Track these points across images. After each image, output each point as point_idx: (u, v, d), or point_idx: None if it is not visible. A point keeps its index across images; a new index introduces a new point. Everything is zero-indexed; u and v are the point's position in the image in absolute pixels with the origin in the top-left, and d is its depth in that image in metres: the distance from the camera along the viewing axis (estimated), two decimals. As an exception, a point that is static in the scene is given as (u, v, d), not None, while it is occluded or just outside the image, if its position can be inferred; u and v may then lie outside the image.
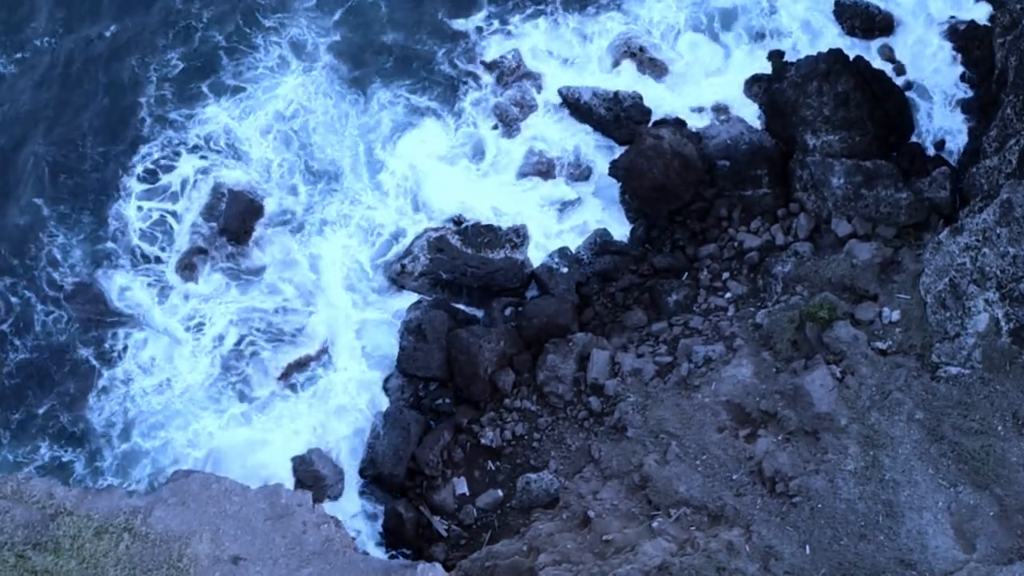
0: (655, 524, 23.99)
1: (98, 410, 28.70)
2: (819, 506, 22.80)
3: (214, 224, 31.21)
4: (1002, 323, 23.49)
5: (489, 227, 31.31)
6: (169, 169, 32.02)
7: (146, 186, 31.79)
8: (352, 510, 28.23)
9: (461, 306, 30.52)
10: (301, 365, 29.79)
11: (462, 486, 27.83)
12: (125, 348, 29.59)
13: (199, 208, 31.45)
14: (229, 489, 19.36)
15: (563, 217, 31.69)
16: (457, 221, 31.48)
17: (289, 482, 27.63)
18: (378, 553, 27.37)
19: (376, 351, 30.13)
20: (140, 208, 31.50)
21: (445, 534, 27.32)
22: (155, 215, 31.44)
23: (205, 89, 32.92)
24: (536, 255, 30.99)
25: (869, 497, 22.62)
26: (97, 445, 28.15)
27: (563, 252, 30.72)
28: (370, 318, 30.50)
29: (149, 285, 30.59)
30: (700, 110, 32.25)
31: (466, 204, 31.76)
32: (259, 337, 29.96)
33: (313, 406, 29.28)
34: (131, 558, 18.46)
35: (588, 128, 32.47)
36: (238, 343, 29.84)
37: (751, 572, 22.02)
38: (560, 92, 32.71)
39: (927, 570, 21.45)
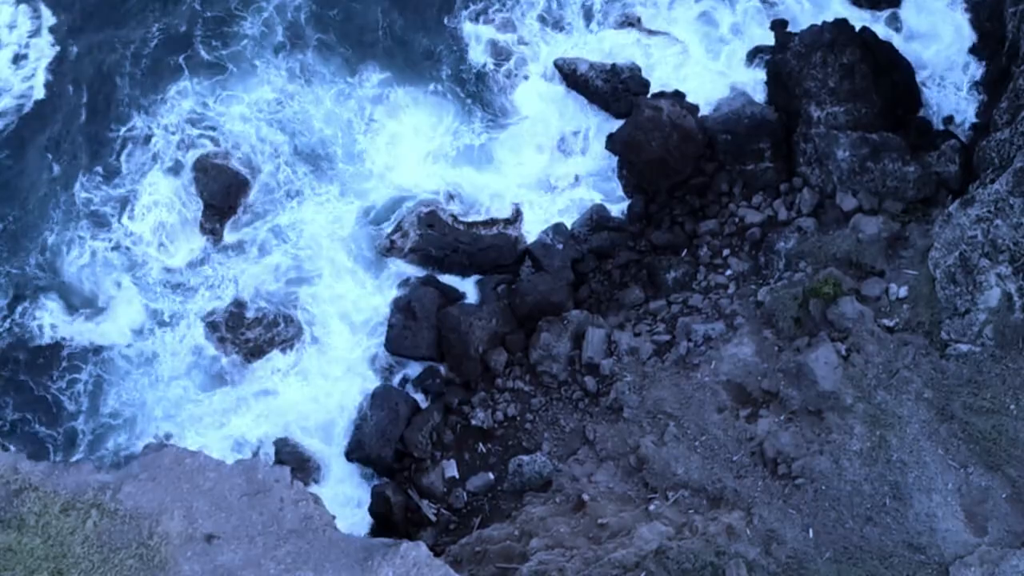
0: (652, 507, 23.15)
1: (69, 382, 27.81)
2: (823, 488, 21.90)
3: (198, 199, 30.24)
4: (1015, 298, 22.53)
5: (482, 202, 30.37)
6: (150, 144, 31.01)
7: (127, 161, 30.80)
8: (337, 493, 27.33)
9: (452, 283, 29.57)
10: (286, 343, 28.82)
11: (452, 469, 26.93)
12: (101, 320, 28.66)
13: (183, 183, 30.46)
14: (203, 464, 18.34)
15: (558, 192, 30.72)
16: (449, 196, 30.52)
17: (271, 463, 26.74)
18: (364, 538, 26.45)
19: (364, 329, 29.17)
20: (121, 184, 30.50)
21: (434, 518, 26.43)
22: (136, 190, 30.44)
23: (183, 62, 31.89)
24: (530, 231, 30.03)
25: (875, 479, 21.71)
26: (66, 417, 27.28)
27: (558, 228, 29.74)
28: (358, 295, 29.53)
29: (130, 261, 29.64)
30: (701, 82, 31.20)
31: (458, 179, 30.77)
32: (242, 313, 29.01)
33: (298, 385, 28.35)
34: (99, 536, 17.50)
35: (584, 101, 31.45)
36: (220, 319, 28.88)
37: (752, 556, 21.13)
38: (556, 63, 31.71)
39: (936, 554, 20.54)
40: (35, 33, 32.27)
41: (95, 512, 17.81)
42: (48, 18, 32.54)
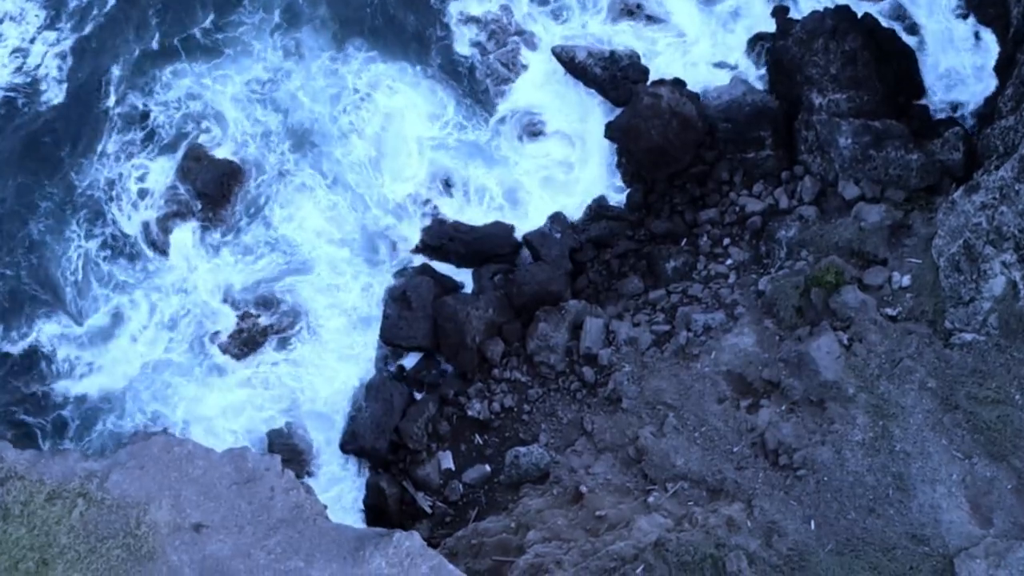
0: (651, 499, 22.76)
1: (59, 370, 27.42)
2: (825, 479, 21.50)
3: (191, 188, 29.81)
4: (1020, 286, 22.10)
5: (479, 190, 29.95)
6: (144, 132, 30.56)
7: (119, 149, 30.34)
8: (331, 486, 26.92)
9: (448, 273, 29.15)
10: (280, 333, 28.40)
11: (448, 460, 26.55)
12: (92, 312, 28.28)
13: (175, 172, 30.01)
14: (192, 452, 17.94)
15: (556, 181, 30.27)
16: (445, 183, 30.09)
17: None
18: (359, 531, 26.02)
19: (359, 319, 28.76)
20: (112, 173, 30.05)
21: (430, 511, 26.04)
22: (128, 179, 29.98)
23: (178, 44, 31.38)
24: (528, 220, 29.59)
25: (878, 469, 21.31)
26: (54, 407, 26.90)
27: (556, 217, 29.29)
28: (353, 285, 29.12)
29: (122, 252, 29.23)
30: (701, 69, 30.73)
31: (454, 167, 30.33)
32: (236, 303, 28.58)
33: (292, 376, 27.94)
34: (85, 525, 17.11)
35: (583, 88, 30.96)
36: (214, 310, 28.45)
37: (752, 548, 20.74)
38: (554, 51, 31.21)
39: (940, 546, 20.14)
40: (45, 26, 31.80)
41: (82, 501, 17.42)
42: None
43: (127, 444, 18.45)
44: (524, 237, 29.16)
